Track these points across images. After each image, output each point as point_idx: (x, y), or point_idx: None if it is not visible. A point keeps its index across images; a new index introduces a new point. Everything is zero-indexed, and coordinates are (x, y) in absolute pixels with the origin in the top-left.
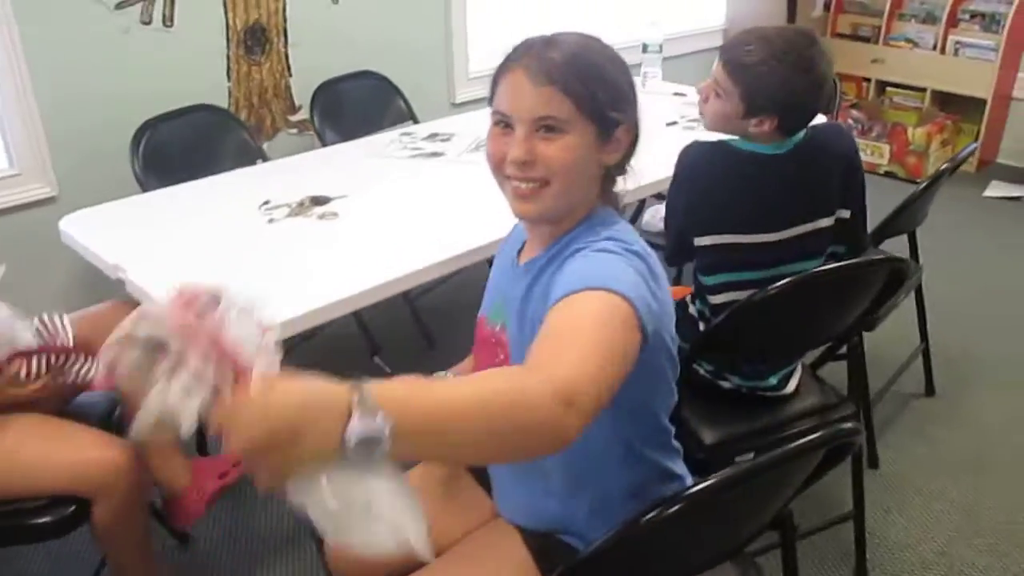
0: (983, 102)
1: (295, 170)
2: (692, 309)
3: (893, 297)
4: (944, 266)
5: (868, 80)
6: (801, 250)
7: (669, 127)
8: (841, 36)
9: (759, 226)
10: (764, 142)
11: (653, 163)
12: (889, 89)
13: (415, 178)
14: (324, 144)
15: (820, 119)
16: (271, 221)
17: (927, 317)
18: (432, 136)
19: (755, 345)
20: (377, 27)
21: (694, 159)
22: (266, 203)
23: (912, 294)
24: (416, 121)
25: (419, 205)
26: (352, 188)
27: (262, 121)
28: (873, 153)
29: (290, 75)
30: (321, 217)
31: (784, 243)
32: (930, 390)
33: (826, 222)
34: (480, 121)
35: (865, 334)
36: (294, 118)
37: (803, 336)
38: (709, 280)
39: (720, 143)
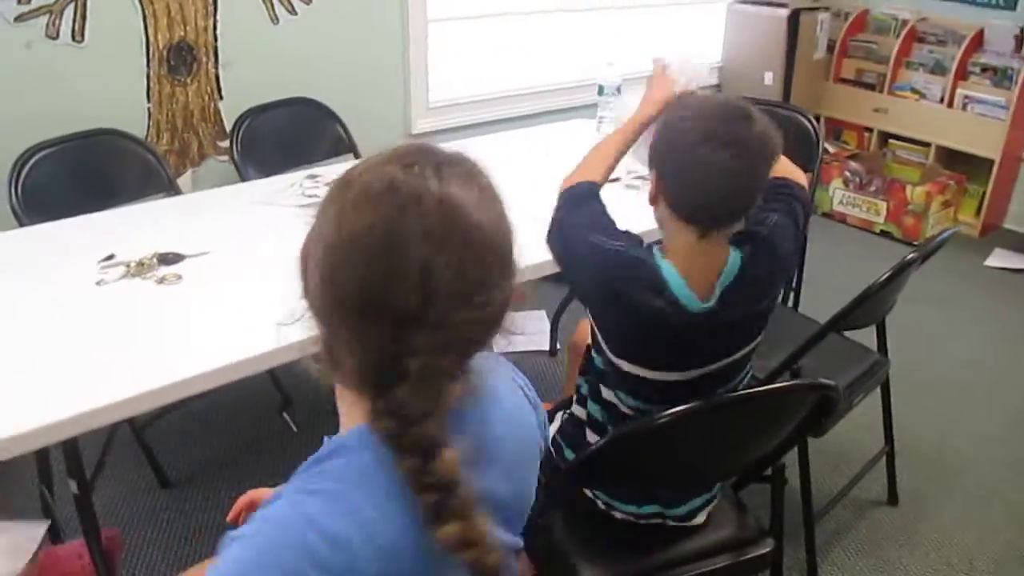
0: (991, 162)
1: (157, 218)
2: (579, 411)
3: (826, 421)
4: (928, 346)
5: (870, 130)
6: (723, 378)
7: (610, 184)
8: (844, 81)
9: (667, 365)
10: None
11: None
12: (892, 142)
13: (298, 233)
14: (243, 179)
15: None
16: (100, 283)
17: (900, 410)
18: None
19: (649, 475)
20: (323, 50)
21: (618, 269)
22: (109, 258)
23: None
24: (357, 155)
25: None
26: (218, 243)
27: (187, 146)
28: (869, 210)
29: (220, 98)
30: (161, 281)
31: (698, 379)
32: (892, 498)
33: (752, 345)
34: None
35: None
36: (225, 144)
37: (709, 466)
38: (609, 395)
39: (649, 267)
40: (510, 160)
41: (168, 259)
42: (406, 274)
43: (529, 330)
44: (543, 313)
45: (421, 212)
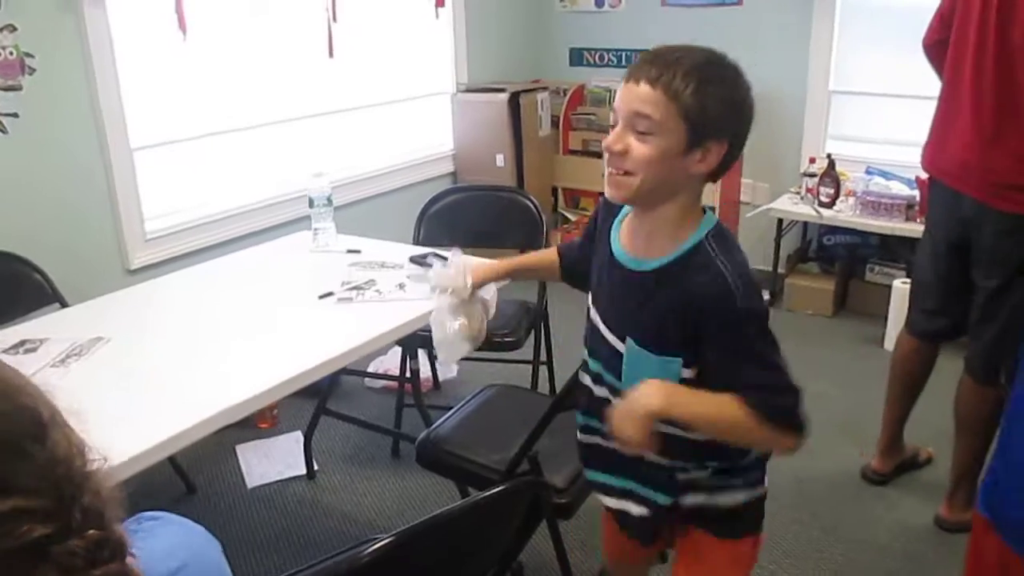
0: (712, 209)
1: None
2: None
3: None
4: None
5: (603, 194)
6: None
7: (322, 300)
8: (573, 152)
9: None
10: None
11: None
12: None
13: None
14: None
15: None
16: None
17: None
18: (17, 346)
19: None
20: (15, 191)
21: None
22: None
23: None
24: (64, 304)
25: None
26: None
27: None
28: None
29: None
30: None
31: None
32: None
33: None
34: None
35: None
36: None
37: None
38: None
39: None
40: (232, 284)
41: None
42: None
43: (282, 456)
44: (298, 434)
45: None
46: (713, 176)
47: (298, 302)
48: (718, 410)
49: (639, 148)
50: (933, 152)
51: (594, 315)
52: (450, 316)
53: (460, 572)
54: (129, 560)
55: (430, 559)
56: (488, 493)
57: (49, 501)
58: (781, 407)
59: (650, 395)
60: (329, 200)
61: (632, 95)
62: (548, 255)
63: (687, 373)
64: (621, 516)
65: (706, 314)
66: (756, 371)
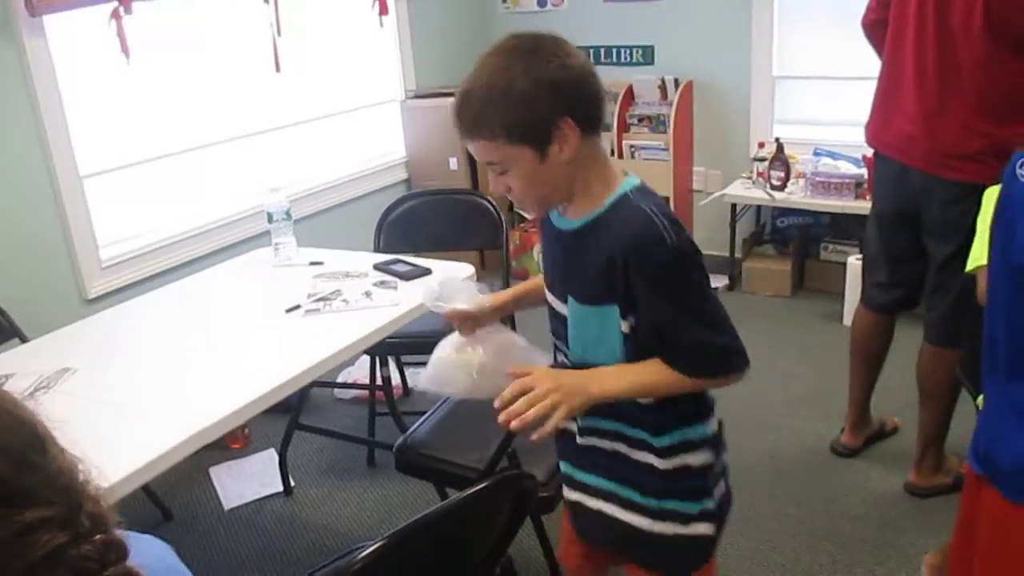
0: (666, 198)
1: None
2: None
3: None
4: None
5: None
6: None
7: (289, 313)
8: None
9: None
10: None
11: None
12: None
13: None
14: None
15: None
16: None
17: None
18: None
19: None
20: None
21: (667, 211)
22: None
23: None
24: (24, 339)
25: None
26: None
27: None
28: None
29: None
30: None
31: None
32: None
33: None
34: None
35: None
36: None
37: None
38: None
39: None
40: (196, 305)
41: None
42: None
43: (257, 475)
44: (272, 452)
45: None
46: (590, 135)
47: (265, 318)
48: (652, 379)
49: (512, 183)
50: (876, 128)
51: (547, 293)
52: (462, 343)
53: (452, 571)
54: (129, 562)
55: (422, 560)
56: (476, 489)
57: (62, 509)
58: (715, 365)
59: (578, 386)
60: (288, 214)
61: (473, 150)
62: (536, 279)
63: (625, 327)
64: (588, 517)
65: (638, 256)
66: (689, 325)
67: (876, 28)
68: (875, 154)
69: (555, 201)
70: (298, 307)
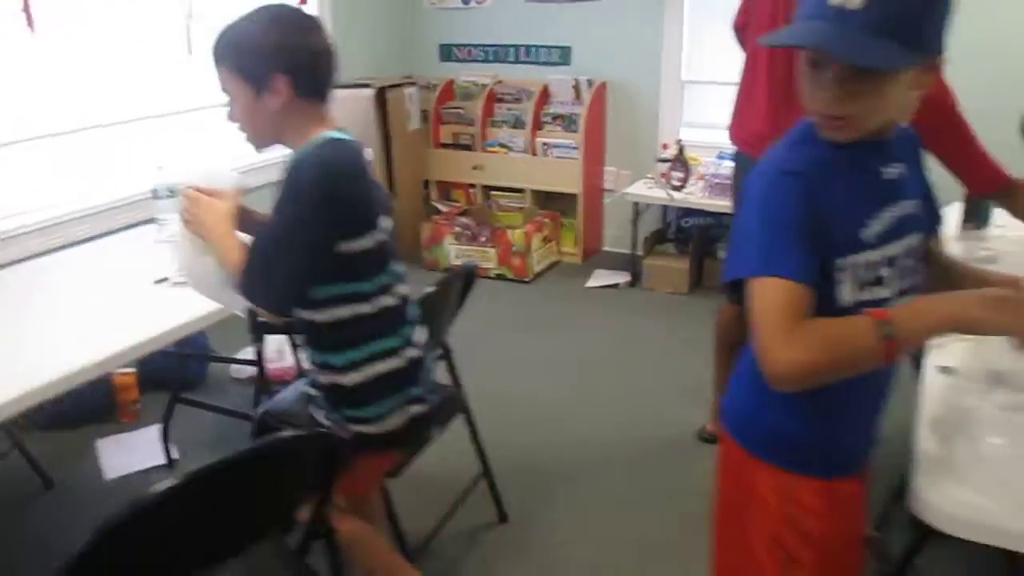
0: (576, 196)
1: None
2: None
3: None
4: (534, 368)
5: (473, 186)
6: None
7: (158, 284)
8: (445, 146)
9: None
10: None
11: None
12: (493, 193)
13: None
14: None
15: None
16: None
17: (488, 437)
18: None
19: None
20: None
21: (337, 158)
22: None
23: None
24: None
25: None
26: None
27: None
28: (482, 259)
29: None
30: None
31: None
32: (503, 516)
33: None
34: None
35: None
36: None
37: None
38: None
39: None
40: (71, 274)
41: None
42: None
43: (142, 447)
44: (159, 427)
45: None
46: (308, 98)
47: (133, 288)
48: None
49: (235, 113)
50: (735, 125)
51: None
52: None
53: (247, 514)
54: None
55: (220, 502)
56: (276, 437)
57: None
58: (251, 288)
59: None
60: (172, 191)
61: (217, 75)
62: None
63: None
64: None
65: (287, 172)
66: (267, 236)
67: (744, 31)
68: (735, 151)
69: (266, 139)
70: (166, 279)
